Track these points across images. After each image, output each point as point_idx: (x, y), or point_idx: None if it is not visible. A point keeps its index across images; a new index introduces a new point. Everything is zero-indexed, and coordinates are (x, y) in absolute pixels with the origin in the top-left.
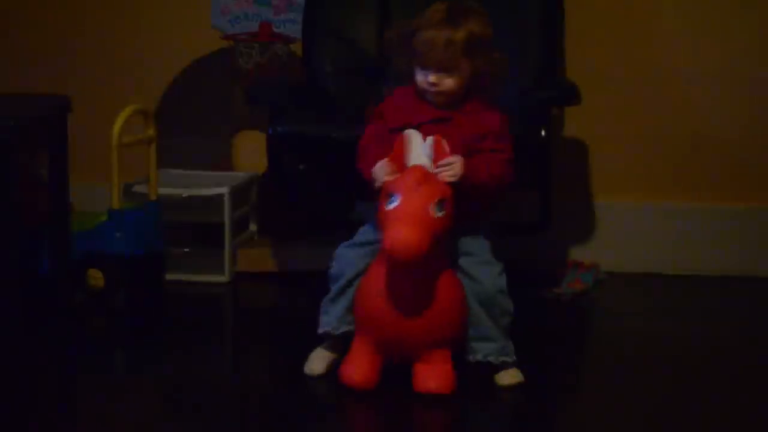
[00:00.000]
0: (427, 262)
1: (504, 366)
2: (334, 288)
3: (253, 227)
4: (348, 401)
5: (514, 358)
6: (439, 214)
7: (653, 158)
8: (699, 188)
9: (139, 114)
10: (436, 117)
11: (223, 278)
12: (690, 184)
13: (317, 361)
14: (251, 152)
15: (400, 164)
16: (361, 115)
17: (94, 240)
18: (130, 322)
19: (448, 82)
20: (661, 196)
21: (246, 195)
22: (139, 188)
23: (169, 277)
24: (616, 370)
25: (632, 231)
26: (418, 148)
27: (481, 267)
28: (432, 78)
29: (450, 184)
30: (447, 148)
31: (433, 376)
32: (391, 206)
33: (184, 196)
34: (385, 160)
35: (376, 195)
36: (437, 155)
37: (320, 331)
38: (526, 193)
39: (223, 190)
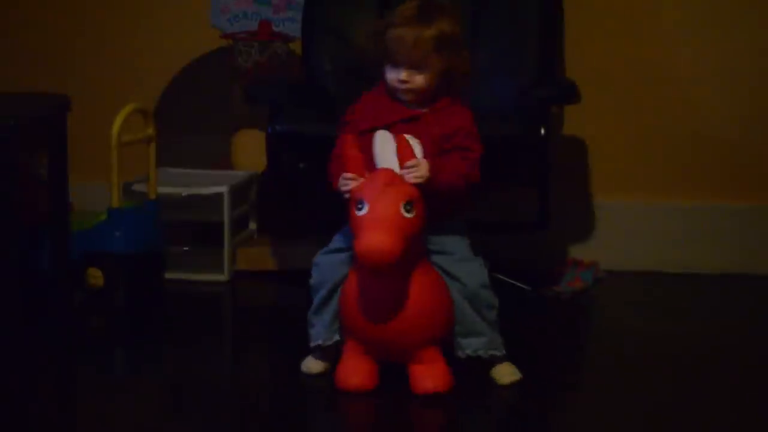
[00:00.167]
0: (404, 264)
1: (494, 360)
2: (317, 299)
3: (252, 226)
4: (347, 400)
5: (504, 351)
6: (409, 215)
7: (653, 157)
8: (698, 186)
9: (138, 113)
10: (405, 116)
11: (222, 277)
12: (689, 182)
13: (315, 361)
14: (250, 151)
15: (369, 166)
16: None
17: (94, 239)
18: (130, 321)
19: (419, 80)
20: (660, 195)
21: (245, 194)
22: (138, 187)
23: (168, 275)
24: (616, 369)
25: (632, 229)
26: (387, 149)
27: (461, 264)
28: (403, 75)
29: (417, 185)
30: (414, 149)
31: (428, 375)
32: (361, 213)
33: (183, 195)
34: (344, 174)
35: (346, 202)
36: (403, 156)
37: (312, 344)
38: (525, 192)
39: (223, 188)
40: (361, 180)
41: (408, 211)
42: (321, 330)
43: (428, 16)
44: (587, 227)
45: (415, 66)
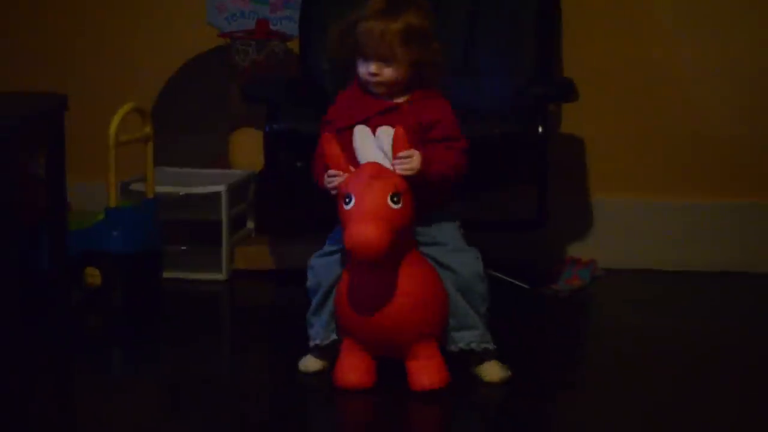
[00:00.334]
0: (395, 257)
1: (485, 354)
2: (314, 300)
3: (250, 225)
4: (345, 398)
5: (494, 345)
6: (396, 207)
7: (651, 155)
8: (697, 184)
9: (135, 112)
10: (381, 108)
11: (220, 276)
12: (688, 180)
13: (313, 360)
14: (248, 150)
15: (352, 162)
16: None
17: (92, 238)
18: (128, 321)
19: (388, 72)
20: (658, 193)
21: (243, 193)
22: (136, 186)
23: (166, 275)
24: (614, 367)
25: (629, 227)
26: (368, 143)
27: (455, 255)
28: (372, 68)
29: (407, 177)
30: (407, 140)
31: (425, 372)
32: (348, 206)
33: (181, 194)
34: (329, 171)
35: (335, 199)
36: (396, 146)
37: (311, 344)
38: (523, 190)
39: (220, 187)
40: (346, 175)
41: (395, 203)
42: (319, 330)
43: (396, 10)
44: (585, 225)
45: (383, 58)
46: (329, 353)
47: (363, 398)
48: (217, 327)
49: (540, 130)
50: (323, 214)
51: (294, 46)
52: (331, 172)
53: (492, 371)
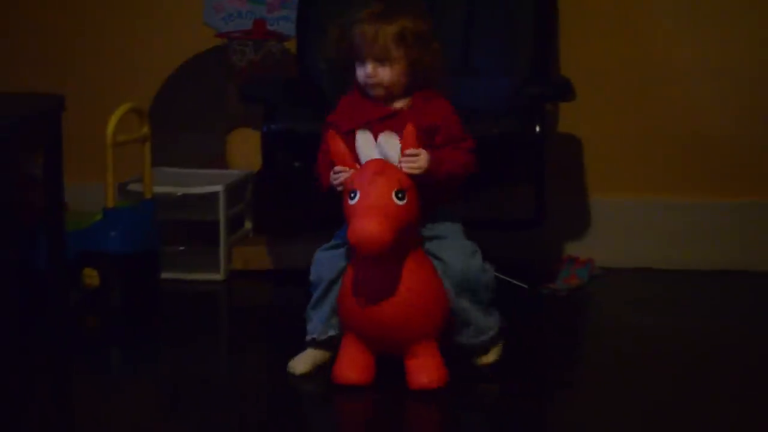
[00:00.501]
0: (399, 253)
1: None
2: (315, 294)
3: (248, 225)
4: (343, 396)
5: (497, 329)
6: (401, 203)
7: (649, 154)
8: (695, 183)
9: (133, 112)
10: (383, 114)
11: (218, 276)
12: (686, 179)
13: (302, 361)
14: (246, 150)
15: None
16: None
17: (89, 239)
18: (126, 321)
19: (384, 73)
20: (656, 192)
21: (241, 193)
22: (133, 187)
23: (164, 275)
24: (613, 366)
25: (628, 226)
26: (370, 148)
27: (454, 250)
28: (368, 70)
29: (415, 176)
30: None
31: (423, 371)
32: (353, 202)
33: (178, 194)
34: (334, 167)
35: (339, 196)
36: (405, 144)
37: (307, 338)
38: (521, 189)
39: (218, 188)
40: (352, 171)
41: (400, 199)
42: (318, 324)
43: (391, 13)
44: (583, 224)
45: (378, 59)
46: (326, 348)
47: (361, 397)
48: (215, 327)
49: (537, 129)
50: (321, 214)
51: (291, 46)
52: (337, 168)
53: (485, 357)
